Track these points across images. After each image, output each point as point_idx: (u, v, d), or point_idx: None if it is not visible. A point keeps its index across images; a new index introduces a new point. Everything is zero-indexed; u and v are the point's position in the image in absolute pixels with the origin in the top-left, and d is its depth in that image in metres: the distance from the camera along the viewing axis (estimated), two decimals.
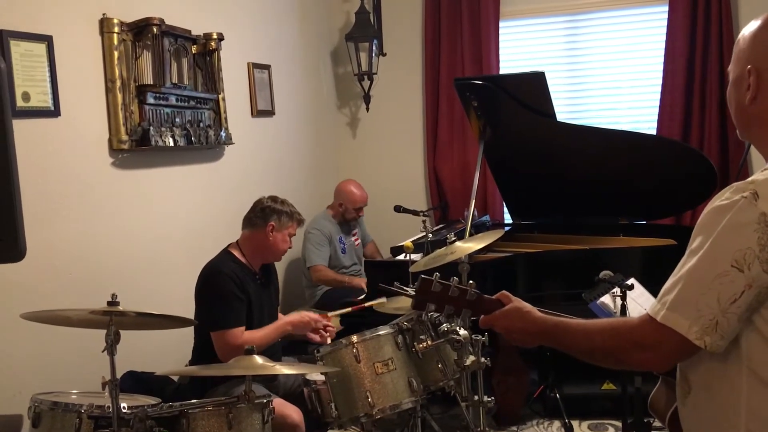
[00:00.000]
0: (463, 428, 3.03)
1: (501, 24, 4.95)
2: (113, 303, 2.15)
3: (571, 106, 4.98)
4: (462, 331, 2.52)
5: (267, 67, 4.42)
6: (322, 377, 2.77)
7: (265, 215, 3.09)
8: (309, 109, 4.98)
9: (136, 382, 3.01)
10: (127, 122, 3.17)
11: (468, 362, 2.54)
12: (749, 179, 1.33)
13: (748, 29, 1.42)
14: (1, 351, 2.64)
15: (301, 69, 4.87)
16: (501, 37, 4.96)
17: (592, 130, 4.14)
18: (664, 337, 1.33)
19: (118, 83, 3.13)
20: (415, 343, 2.74)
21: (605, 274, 2.76)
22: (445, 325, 2.60)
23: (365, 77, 5.15)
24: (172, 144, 3.38)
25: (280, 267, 4.21)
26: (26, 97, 2.73)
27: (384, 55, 5.23)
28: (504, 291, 1.60)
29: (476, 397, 2.66)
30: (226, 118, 3.87)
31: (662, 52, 4.66)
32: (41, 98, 2.79)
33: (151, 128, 3.25)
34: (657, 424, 1.91)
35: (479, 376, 2.68)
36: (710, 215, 1.32)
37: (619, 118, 4.98)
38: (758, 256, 1.27)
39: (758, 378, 1.32)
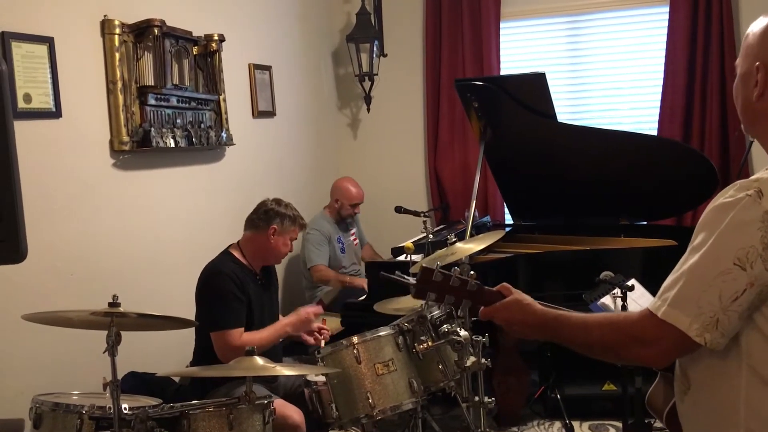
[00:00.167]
0: (463, 429, 3.03)
1: (502, 25, 4.95)
2: (114, 304, 2.15)
3: (571, 107, 4.98)
4: (462, 332, 2.52)
5: (268, 68, 4.42)
6: (323, 378, 2.77)
7: (268, 218, 3.09)
8: (310, 109, 4.98)
9: (138, 383, 3.01)
10: (128, 123, 3.18)
11: (468, 363, 2.54)
12: (753, 177, 1.33)
13: (757, 25, 1.42)
14: (2, 352, 2.64)
15: (301, 70, 4.88)
16: (502, 38, 4.96)
17: (592, 131, 4.15)
18: (664, 333, 1.33)
19: (120, 84, 3.13)
20: (415, 344, 2.74)
21: (606, 274, 2.76)
22: (445, 326, 2.60)
23: (366, 78, 5.15)
24: (173, 145, 3.38)
25: (280, 268, 4.21)
26: (27, 98, 2.73)
27: (385, 55, 5.23)
28: (505, 283, 1.59)
29: (477, 398, 2.66)
30: (227, 119, 3.87)
31: (663, 53, 4.66)
32: (42, 99, 2.80)
33: (152, 129, 3.25)
34: (658, 424, 1.91)
35: (480, 376, 2.68)
36: (713, 212, 1.32)
37: (619, 118, 4.98)
38: (761, 255, 1.27)
39: (758, 376, 1.32)
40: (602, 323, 1.44)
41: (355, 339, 2.73)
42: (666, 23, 4.63)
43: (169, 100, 3.42)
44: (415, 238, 3.95)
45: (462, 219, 4.65)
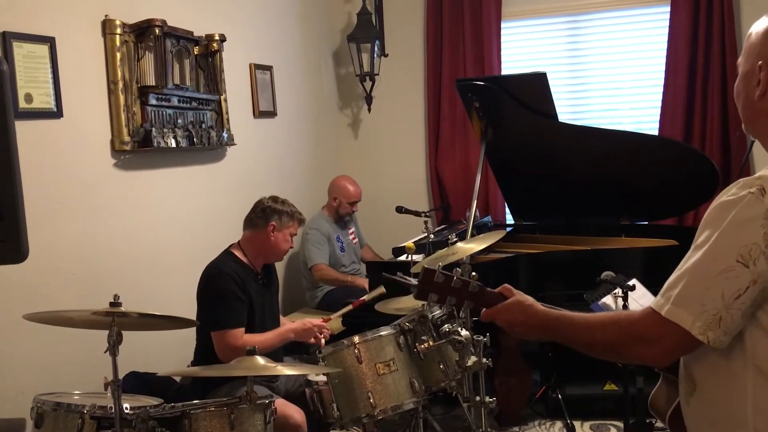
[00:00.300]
0: (464, 429, 3.03)
1: (503, 24, 4.95)
2: (115, 304, 2.15)
3: (572, 107, 4.98)
4: (463, 332, 2.53)
5: (269, 68, 4.42)
6: (324, 378, 2.77)
7: (266, 215, 3.10)
8: (311, 109, 4.98)
9: (139, 382, 3.01)
10: (129, 123, 3.18)
11: (470, 363, 2.54)
12: (756, 175, 1.33)
13: (760, 25, 1.42)
14: (3, 352, 2.64)
15: (302, 70, 4.88)
16: (503, 38, 4.95)
17: (593, 131, 4.14)
18: (666, 331, 1.33)
19: (121, 84, 3.13)
20: (416, 344, 2.74)
21: (607, 274, 2.76)
22: (446, 325, 2.60)
23: (367, 78, 5.15)
24: (174, 145, 3.39)
25: (280, 268, 4.21)
26: (29, 98, 2.73)
27: (386, 55, 5.23)
28: (506, 284, 1.59)
29: (478, 398, 2.66)
30: (228, 119, 3.88)
31: (664, 53, 4.66)
32: (44, 99, 2.80)
33: (153, 129, 3.25)
34: (659, 425, 1.90)
35: (481, 376, 2.69)
36: (716, 210, 1.32)
37: (620, 118, 4.98)
38: (764, 252, 1.26)
39: (764, 375, 1.31)
40: (605, 322, 1.44)
41: (356, 339, 2.73)
42: (667, 23, 4.63)
43: (170, 100, 3.42)
44: (416, 238, 3.95)
45: (463, 219, 4.65)
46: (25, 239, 1.49)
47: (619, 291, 2.69)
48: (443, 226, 4.74)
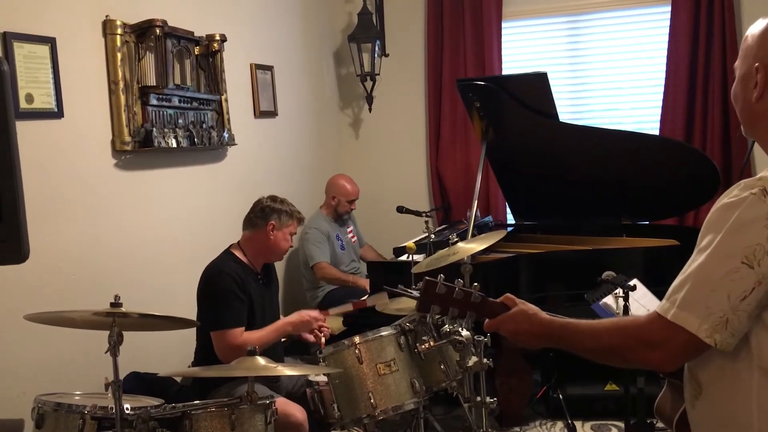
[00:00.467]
0: (465, 429, 3.02)
1: (503, 24, 4.95)
2: (116, 304, 2.15)
3: (573, 107, 4.97)
4: (464, 332, 2.53)
5: (270, 68, 4.42)
6: (325, 378, 2.77)
7: (265, 215, 3.10)
8: (311, 109, 4.98)
9: (139, 383, 3.01)
10: (130, 123, 3.18)
11: (470, 363, 2.54)
12: (758, 176, 1.33)
13: (757, 26, 1.42)
14: (4, 352, 2.64)
15: (303, 70, 4.88)
16: (503, 38, 4.95)
17: (594, 131, 4.14)
18: (673, 335, 1.32)
19: (121, 85, 3.13)
20: (417, 344, 2.74)
21: (608, 274, 2.75)
22: (447, 326, 2.60)
23: (368, 78, 5.15)
24: (174, 145, 3.38)
25: (280, 268, 4.21)
26: (29, 98, 2.73)
27: (386, 55, 5.23)
28: (508, 294, 1.58)
29: (479, 398, 2.66)
30: (228, 119, 3.88)
31: (665, 52, 4.65)
32: (44, 100, 2.80)
33: (154, 129, 3.25)
34: (660, 425, 1.90)
35: (482, 376, 2.69)
36: (719, 212, 1.32)
37: (621, 118, 4.97)
38: None
39: None
40: (610, 329, 1.43)
41: (356, 339, 2.73)
42: (668, 23, 4.63)
43: (170, 101, 3.42)
44: (417, 238, 3.95)
45: (464, 219, 4.65)
46: (26, 240, 1.49)
47: (620, 291, 2.69)
48: (444, 226, 4.74)
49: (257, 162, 4.26)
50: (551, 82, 3.75)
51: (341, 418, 2.69)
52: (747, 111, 1.44)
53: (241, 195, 3.90)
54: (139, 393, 2.72)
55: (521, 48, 5.07)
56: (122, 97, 3.14)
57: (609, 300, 2.71)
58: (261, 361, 2.37)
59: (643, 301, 2.70)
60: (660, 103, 4.71)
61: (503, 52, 4.96)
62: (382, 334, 2.75)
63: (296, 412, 2.78)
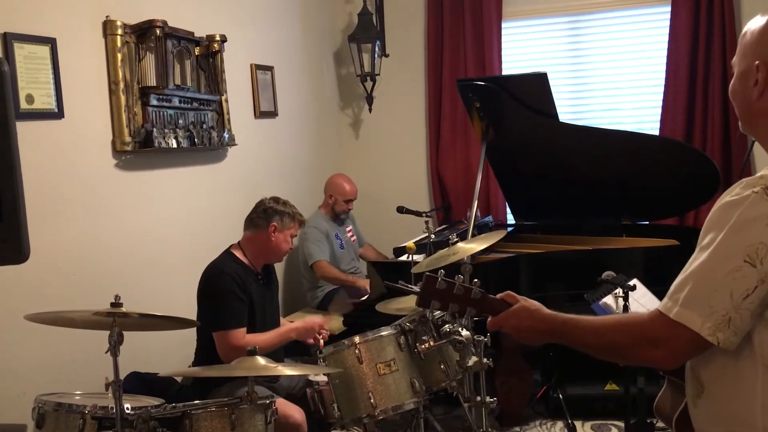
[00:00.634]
0: (465, 429, 3.03)
1: (503, 25, 4.95)
2: (116, 304, 2.15)
3: (573, 107, 4.97)
4: (464, 332, 2.53)
5: (270, 68, 4.43)
6: (325, 378, 2.77)
7: (267, 216, 3.10)
8: (312, 110, 4.99)
9: (140, 383, 3.01)
10: (130, 124, 3.18)
11: (470, 363, 2.54)
12: (759, 174, 1.33)
13: (756, 23, 1.41)
14: (5, 352, 2.65)
15: (303, 70, 4.88)
16: (503, 38, 4.95)
17: (594, 131, 4.14)
18: (675, 333, 1.32)
19: (122, 85, 3.14)
20: (417, 344, 2.74)
21: (608, 274, 2.75)
22: (447, 325, 2.60)
23: (368, 78, 5.15)
24: (175, 145, 3.39)
25: (280, 268, 4.21)
26: (30, 99, 2.74)
27: (386, 56, 5.23)
28: (509, 291, 1.59)
29: (479, 398, 2.66)
30: (229, 120, 3.88)
31: (665, 53, 4.65)
32: (45, 100, 2.80)
33: (155, 130, 3.25)
34: (660, 424, 1.90)
35: (482, 376, 2.69)
36: (721, 211, 1.32)
37: (621, 118, 4.97)
38: None
39: None
40: (613, 326, 1.44)
41: (356, 339, 2.73)
42: (667, 23, 4.63)
43: (171, 101, 3.42)
44: (417, 238, 3.95)
45: (464, 219, 4.65)
46: (26, 240, 1.49)
47: (619, 291, 2.69)
48: (444, 226, 4.74)
49: (257, 162, 4.27)
50: (551, 82, 3.75)
51: (341, 417, 2.70)
52: (746, 109, 1.44)
53: (241, 195, 3.90)
54: (139, 393, 2.72)
55: (521, 48, 5.07)
56: (122, 98, 3.14)
57: (609, 300, 2.71)
58: (261, 361, 2.37)
59: (642, 301, 2.70)
60: (660, 103, 4.71)
61: (503, 52, 4.96)
62: (382, 333, 2.75)
63: (295, 413, 2.78)
